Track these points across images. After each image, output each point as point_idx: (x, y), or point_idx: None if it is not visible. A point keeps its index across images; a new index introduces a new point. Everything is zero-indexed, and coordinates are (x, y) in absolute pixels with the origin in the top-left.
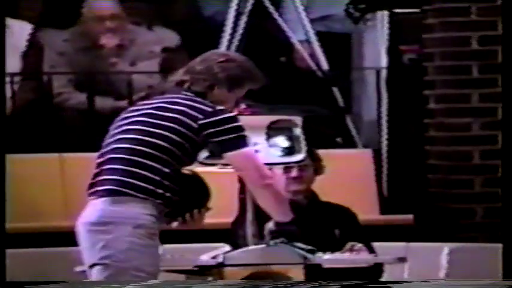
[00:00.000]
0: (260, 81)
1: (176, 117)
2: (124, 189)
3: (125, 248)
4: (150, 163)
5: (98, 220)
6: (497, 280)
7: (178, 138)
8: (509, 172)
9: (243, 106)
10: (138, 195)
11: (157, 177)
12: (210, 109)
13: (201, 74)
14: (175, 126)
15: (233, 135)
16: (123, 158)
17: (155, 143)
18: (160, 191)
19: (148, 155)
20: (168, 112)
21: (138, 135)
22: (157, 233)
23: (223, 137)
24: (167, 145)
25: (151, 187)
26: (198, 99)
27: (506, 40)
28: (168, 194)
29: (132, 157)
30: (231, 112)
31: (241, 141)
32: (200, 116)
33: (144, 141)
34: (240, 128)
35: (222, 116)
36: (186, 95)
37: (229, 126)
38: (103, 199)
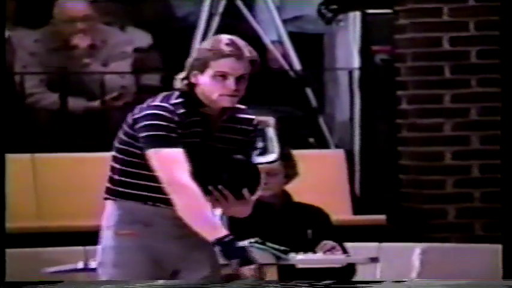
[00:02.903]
0: (226, 54)
1: (126, 117)
2: (105, 195)
3: (101, 250)
4: (114, 164)
5: None
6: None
7: (124, 137)
8: (509, 173)
9: None
10: (110, 197)
11: (116, 176)
12: (145, 105)
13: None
14: (124, 125)
15: (145, 133)
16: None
17: (115, 146)
18: (121, 189)
19: (113, 157)
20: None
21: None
22: (130, 232)
23: (141, 134)
24: (119, 145)
25: (118, 188)
26: (158, 95)
27: (506, 42)
28: (130, 191)
29: (110, 163)
30: (161, 110)
31: (152, 142)
32: (136, 111)
33: (114, 146)
34: (154, 127)
35: (146, 112)
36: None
37: (146, 123)
38: None
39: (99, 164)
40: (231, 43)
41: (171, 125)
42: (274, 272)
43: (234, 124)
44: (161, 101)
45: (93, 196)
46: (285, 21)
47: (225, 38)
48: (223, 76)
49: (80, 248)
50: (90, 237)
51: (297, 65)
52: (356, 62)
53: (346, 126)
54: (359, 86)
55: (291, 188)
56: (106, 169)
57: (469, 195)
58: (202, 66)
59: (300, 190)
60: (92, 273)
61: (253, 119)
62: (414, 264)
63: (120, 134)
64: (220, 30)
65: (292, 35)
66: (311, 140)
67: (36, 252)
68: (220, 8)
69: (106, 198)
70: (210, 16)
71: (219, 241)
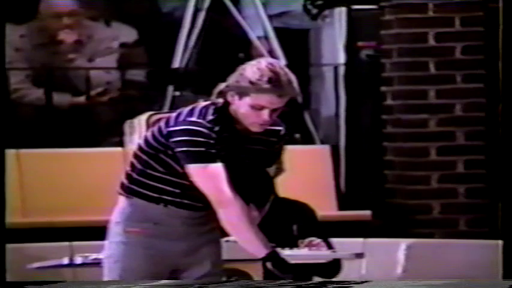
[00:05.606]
0: (268, 91)
1: (159, 124)
2: (119, 190)
3: (108, 245)
4: (135, 163)
5: None
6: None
7: (153, 142)
8: (509, 168)
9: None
10: (124, 193)
11: (134, 174)
12: (181, 118)
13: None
14: (154, 129)
15: (185, 148)
16: None
17: (139, 145)
18: (136, 187)
19: (136, 156)
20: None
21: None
22: (138, 230)
23: (178, 149)
24: (146, 147)
25: (133, 186)
26: (194, 109)
27: (491, 38)
28: (145, 191)
29: (131, 159)
30: (198, 126)
31: (193, 157)
32: (171, 123)
33: (139, 146)
34: (194, 143)
35: (183, 127)
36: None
37: (185, 138)
38: None
39: (84, 159)
40: (274, 80)
41: (210, 141)
42: (259, 269)
43: (263, 136)
44: (198, 117)
45: (78, 192)
46: (270, 17)
47: (268, 72)
48: (260, 108)
49: (66, 243)
50: (75, 232)
51: (283, 61)
52: (341, 58)
53: (332, 122)
54: (344, 81)
55: (276, 183)
56: (91, 164)
57: (453, 191)
58: (241, 93)
59: (286, 186)
60: (78, 269)
61: (280, 130)
62: (399, 259)
63: (149, 138)
64: (205, 26)
65: (277, 31)
66: (296, 135)
67: (21, 248)
68: (206, 4)
69: (120, 194)
70: (196, 11)
71: (271, 256)
